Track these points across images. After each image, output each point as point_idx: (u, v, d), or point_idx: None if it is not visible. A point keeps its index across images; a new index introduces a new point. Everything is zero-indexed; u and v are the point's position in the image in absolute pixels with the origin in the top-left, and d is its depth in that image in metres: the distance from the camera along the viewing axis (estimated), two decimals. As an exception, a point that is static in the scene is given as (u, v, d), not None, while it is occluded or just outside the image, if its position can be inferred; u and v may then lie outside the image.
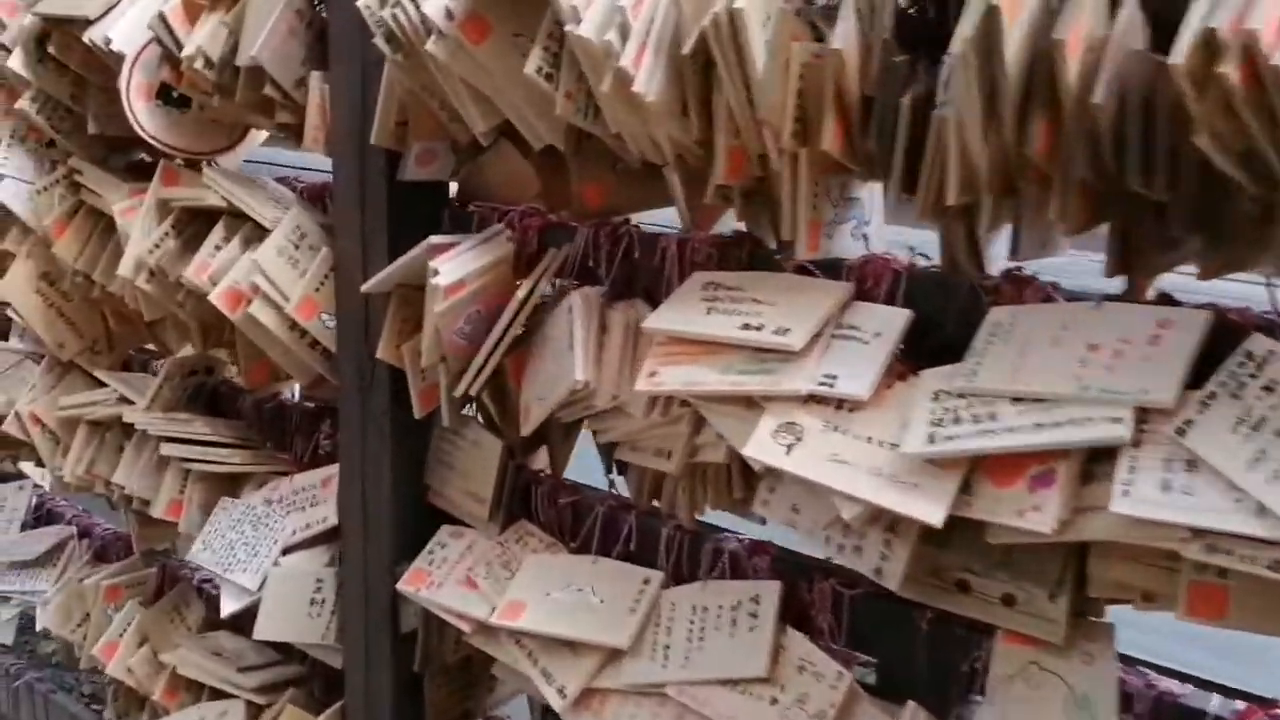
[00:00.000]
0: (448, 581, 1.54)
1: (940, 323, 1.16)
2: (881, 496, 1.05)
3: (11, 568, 2.35)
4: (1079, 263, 1.16)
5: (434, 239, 1.45)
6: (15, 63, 1.93)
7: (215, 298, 1.68)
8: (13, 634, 2.44)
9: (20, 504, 2.47)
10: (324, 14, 1.60)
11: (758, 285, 1.23)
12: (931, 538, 1.10)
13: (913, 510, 1.03)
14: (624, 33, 1.14)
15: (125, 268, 1.83)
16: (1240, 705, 1.04)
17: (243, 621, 1.79)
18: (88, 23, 1.80)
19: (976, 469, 1.04)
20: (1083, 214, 0.99)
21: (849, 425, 1.11)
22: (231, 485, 1.90)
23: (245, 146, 1.92)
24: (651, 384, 1.22)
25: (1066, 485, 0.98)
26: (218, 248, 1.74)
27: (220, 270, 1.70)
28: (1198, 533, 0.91)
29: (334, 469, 1.75)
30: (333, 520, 1.73)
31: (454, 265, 1.40)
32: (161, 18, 1.70)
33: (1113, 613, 1.10)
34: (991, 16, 0.92)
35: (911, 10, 1.09)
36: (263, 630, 1.72)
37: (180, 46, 1.68)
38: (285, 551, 1.74)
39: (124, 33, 1.77)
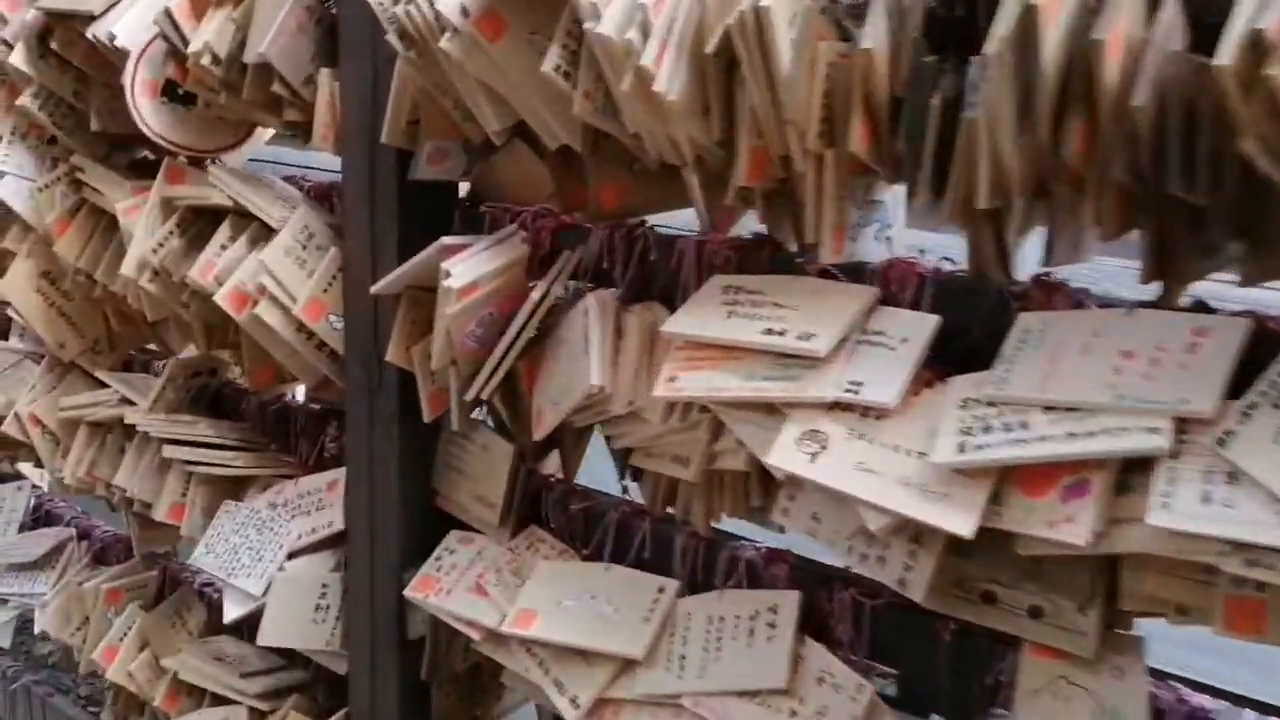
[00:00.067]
0: (457, 588, 1.51)
1: (966, 328, 1.14)
2: (910, 507, 1.02)
3: (10, 570, 2.32)
4: (1101, 268, 1.14)
5: (447, 240, 1.42)
6: (17, 58, 1.91)
7: (221, 298, 1.65)
8: (10, 636, 2.41)
9: (19, 505, 2.45)
10: (334, 10, 1.58)
11: (780, 289, 1.21)
12: (957, 548, 1.08)
13: (943, 521, 1.00)
14: (645, 31, 1.12)
15: (128, 267, 1.80)
16: (1275, 722, 1.02)
17: (245, 626, 1.76)
18: (91, 18, 1.78)
19: (1007, 479, 1.01)
20: (1118, 218, 0.97)
21: (874, 433, 1.09)
22: (235, 488, 1.88)
23: (250, 145, 1.90)
24: (671, 389, 1.20)
25: (1101, 496, 0.96)
26: (223, 247, 1.71)
27: (226, 270, 1.68)
28: (1238, 546, 0.89)
29: (340, 472, 1.73)
30: (339, 525, 1.71)
31: (467, 267, 1.37)
32: (167, 13, 1.67)
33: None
34: (1029, 15, 0.90)
35: (940, 9, 1.07)
36: (267, 636, 1.70)
37: (186, 42, 1.66)
38: (290, 556, 1.72)
39: (128, 28, 1.74)
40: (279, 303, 1.62)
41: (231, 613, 1.72)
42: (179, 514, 1.90)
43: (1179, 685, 1.08)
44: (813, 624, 1.26)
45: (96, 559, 2.30)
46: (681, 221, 1.39)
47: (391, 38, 1.34)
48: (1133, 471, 0.96)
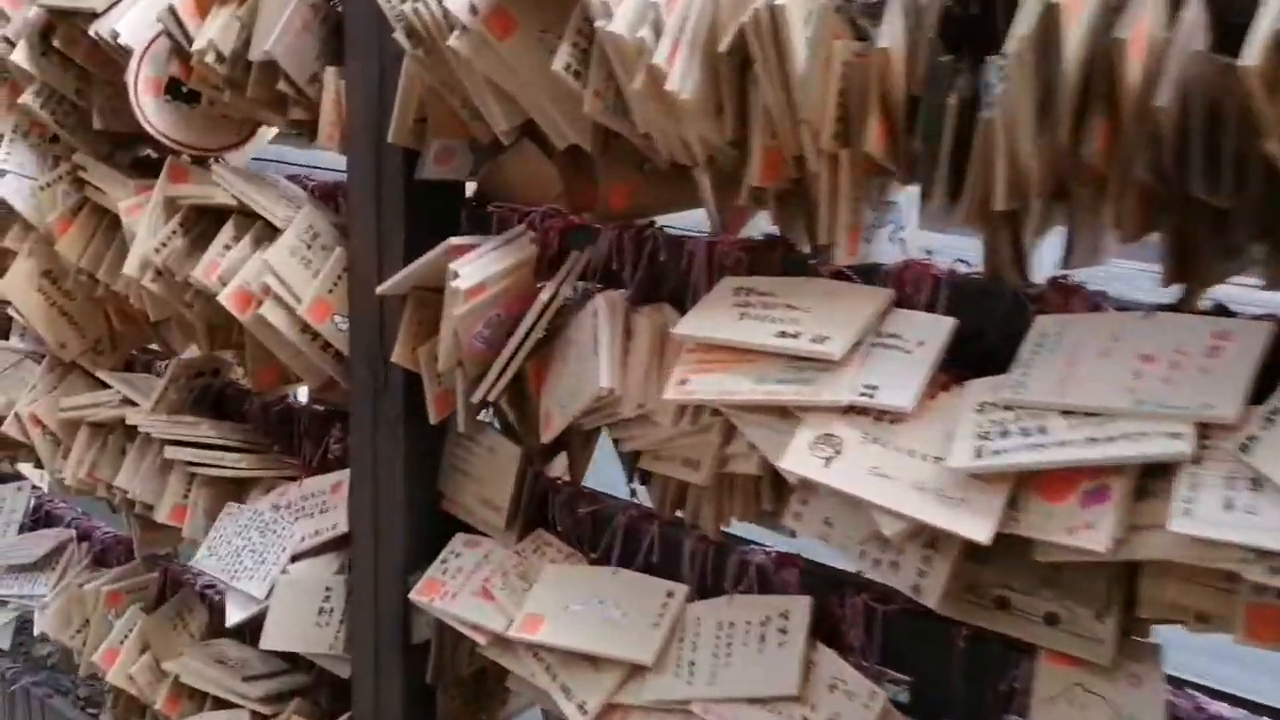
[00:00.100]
0: (463, 592, 1.50)
1: (982, 331, 1.12)
2: (926, 513, 1.01)
3: (9, 571, 2.31)
4: (1114, 270, 1.13)
5: (454, 240, 1.41)
6: (19, 56, 1.89)
7: (225, 298, 1.64)
8: (10, 638, 2.40)
9: (18, 506, 2.43)
10: (339, 8, 1.56)
11: (792, 291, 1.20)
12: (972, 553, 1.06)
13: (960, 527, 0.99)
14: (657, 29, 1.10)
15: (131, 267, 1.79)
16: (1295, 730, 1.01)
17: (248, 629, 1.75)
18: (94, 15, 1.76)
19: (1025, 484, 1.00)
20: (1139, 220, 0.96)
21: (889, 437, 1.08)
22: (238, 490, 1.86)
23: (254, 144, 1.88)
24: (682, 392, 1.18)
25: (1121, 502, 0.94)
26: (227, 247, 1.70)
27: (230, 270, 1.66)
28: (1261, 554, 0.88)
29: (344, 474, 1.71)
30: (343, 527, 1.70)
31: (475, 267, 1.36)
32: (171, 10, 1.66)
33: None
34: (1051, 14, 0.88)
35: (955, 8, 1.06)
36: (270, 639, 1.68)
37: (190, 40, 1.65)
38: (293, 559, 1.70)
39: (132, 26, 1.73)
40: (283, 303, 1.60)
41: (234, 616, 1.71)
42: (181, 516, 1.89)
43: (1197, 693, 1.06)
44: (824, 629, 1.25)
45: (97, 560, 2.28)
46: (691, 222, 1.37)
47: (399, 35, 1.33)
48: (1153, 477, 0.95)
